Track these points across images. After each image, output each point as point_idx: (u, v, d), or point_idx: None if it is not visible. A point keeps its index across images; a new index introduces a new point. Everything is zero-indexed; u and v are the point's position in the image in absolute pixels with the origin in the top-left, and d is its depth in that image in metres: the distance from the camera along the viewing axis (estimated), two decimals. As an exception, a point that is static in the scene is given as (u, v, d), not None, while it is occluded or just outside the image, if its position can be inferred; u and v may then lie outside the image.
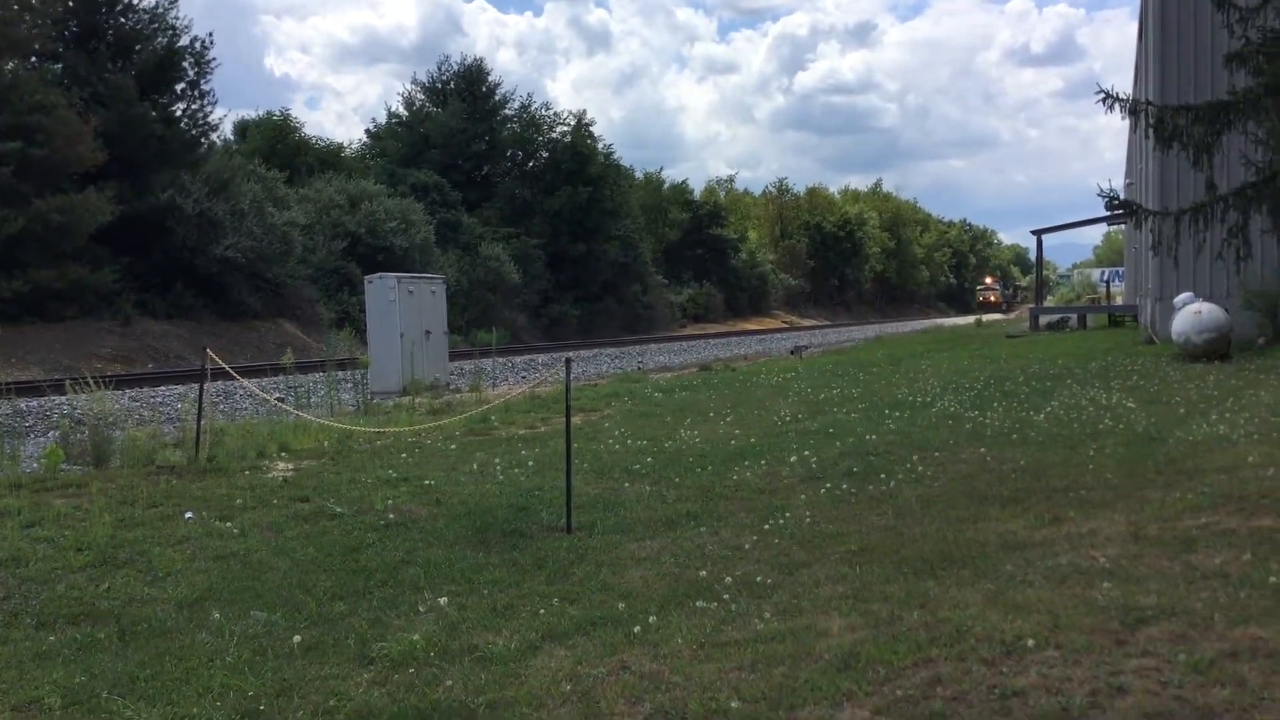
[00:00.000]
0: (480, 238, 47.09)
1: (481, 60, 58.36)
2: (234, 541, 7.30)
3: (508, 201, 53.95)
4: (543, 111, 57.87)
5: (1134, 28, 31.74)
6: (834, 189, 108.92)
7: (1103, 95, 16.72)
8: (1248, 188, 15.87)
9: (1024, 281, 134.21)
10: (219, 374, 12.96)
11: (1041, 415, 11.55)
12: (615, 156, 59.45)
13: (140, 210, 30.40)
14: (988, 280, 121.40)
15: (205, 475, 9.77)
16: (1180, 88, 21.27)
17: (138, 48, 32.89)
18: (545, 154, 56.61)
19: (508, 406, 14.93)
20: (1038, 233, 42.29)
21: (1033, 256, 48.23)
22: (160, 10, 33.33)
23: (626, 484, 9.03)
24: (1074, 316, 38.47)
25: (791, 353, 32.33)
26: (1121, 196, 18.15)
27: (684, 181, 77.90)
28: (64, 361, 24.22)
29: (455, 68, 57.40)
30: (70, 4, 31.62)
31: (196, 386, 11.81)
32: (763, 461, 9.74)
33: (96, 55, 31.55)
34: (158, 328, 29.76)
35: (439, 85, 57.21)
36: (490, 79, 57.58)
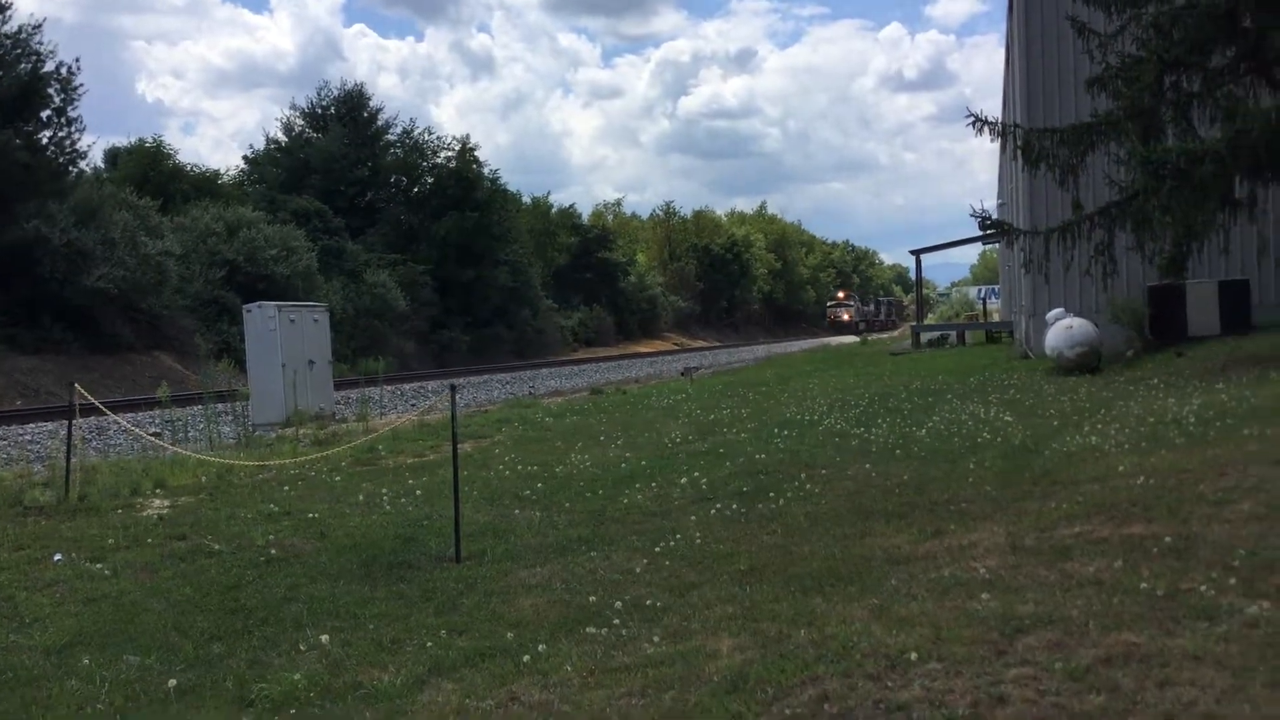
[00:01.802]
0: (365, 264, 46.41)
1: (362, 85, 57.79)
2: (106, 583, 7.01)
3: (393, 227, 53.32)
4: (426, 136, 57.57)
5: (1001, 54, 32.91)
6: (720, 212, 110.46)
7: (973, 119, 17.32)
8: (1112, 206, 16.56)
9: (907, 299, 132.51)
10: (91, 409, 12.48)
11: (924, 430, 11.81)
12: (502, 181, 59.42)
13: (4, 241, 29.17)
14: (839, 295, 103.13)
15: (76, 515, 9.38)
16: (1046, 111, 22.10)
17: (0, 74, 31.60)
18: (430, 179, 56.15)
19: (395, 435, 14.68)
20: (916, 253, 43.43)
21: (913, 276, 49.44)
22: (23, 36, 32.05)
23: (517, 510, 8.95)
24: (954, 334, 39.54)
25: (682, 374, 32.54)
26: (994, 217, 18.80)
27: (572, 205, 78.29)
28: (-77, 400, 23.04)
29: (335, 93, 56.72)
30: (-72, 28, 30.28)
31: (66, 423, 11.34)
32: (653, 484, 9.75)
33: (-44, 81, 30.24)
34: (26, 363, 28.53)
35: (319, 110, 56.35)
36: (372, 104, 57.07)
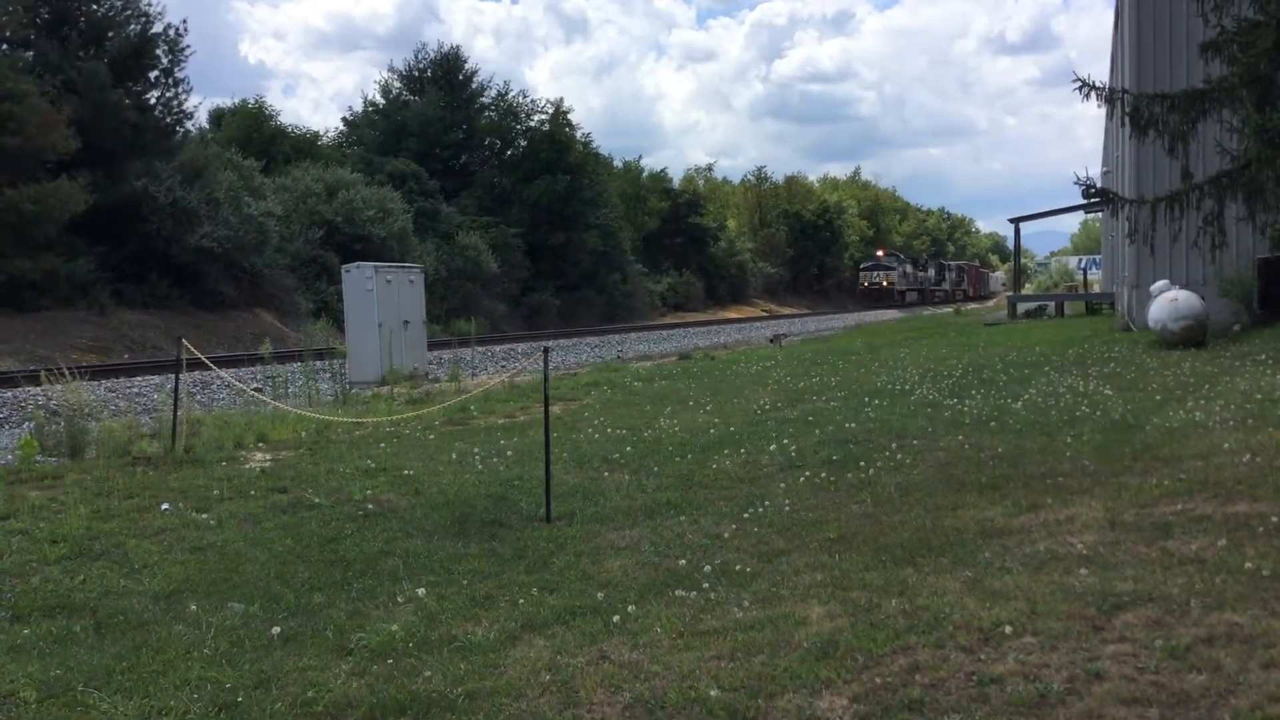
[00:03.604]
0: (458, 227, 46.89)
1: (458, 48, 58.14)
2: (211, 533, 7.26)
3: (486, 190, 53.75)
4: (520, 100, 57.73)
5: (1110, 16, 31.85)
6: (813, 177, 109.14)
7: (1080, 84, 16.80)
8: (1223, 176, 15.98)
9: (1004, 267, 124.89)
10: (196, 364, 12.87)
11: (1019, 403, 11.60)
12: (594, 145, 59.41)
13: (114, 199, 30.10)
14: (878, 254, 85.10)
15: (182, 466, 9.71)
16: (1156, 76, 21.36)
17: (110, 35, 32.50)
18: (523, 143, 56.38)
19: (487, 396, 14.88)
20: (1015, 221, 42.47)
21: (1011, 245, 48.38)
22: (133, -3, 32.96)
23: (606, 473, 9.02)
24: (1051, 304, 38.66)
25: (771, 341, 32.37)
26: (1098, 185, 18.22)
27: (663, 170, 78.06)
28: (39, 352, 23.99)
29: (432, 55, 57.15)
30: (41, -10, 31.25)
31: (173, 377, 11.72)
32: (742, 450, 9.75)
33: (68, 42, 31.17)
34: (134, 318, 29.51)
35: (416, 73, 56.89)
36: (467, 67, 57.34)
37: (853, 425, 10.77)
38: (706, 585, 5.59)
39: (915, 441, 9.61)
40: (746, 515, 7.15)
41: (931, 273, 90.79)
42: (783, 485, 8.12)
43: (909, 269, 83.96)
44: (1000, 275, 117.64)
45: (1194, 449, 8.13)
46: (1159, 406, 10.53)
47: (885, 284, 78.95)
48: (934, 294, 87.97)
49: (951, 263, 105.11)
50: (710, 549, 6.37)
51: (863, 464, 8.68)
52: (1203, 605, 4.69)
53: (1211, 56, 16.28)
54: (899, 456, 8.92)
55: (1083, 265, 67.43)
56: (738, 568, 5.89)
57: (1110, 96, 17.16)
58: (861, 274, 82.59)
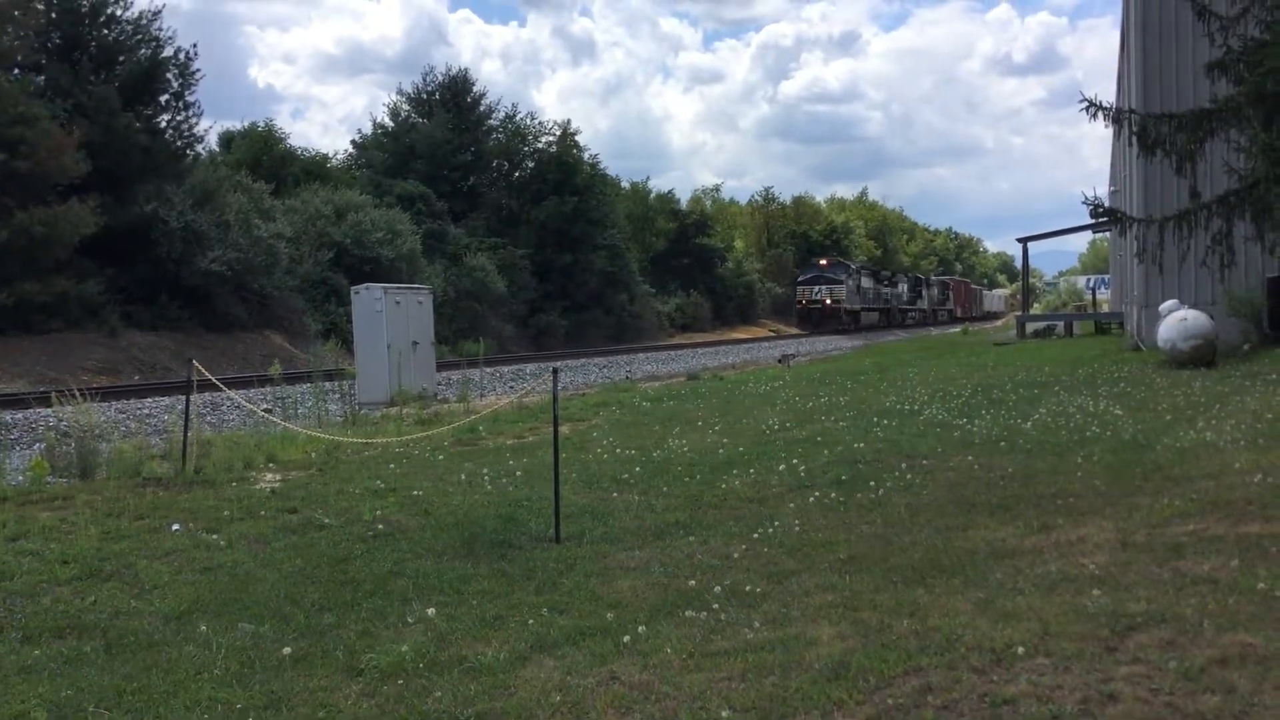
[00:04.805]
0: (466, 248, 47.05)
1: (466, 71, 58.63)
2: (221, 553, 7.26)
3: (494, 212, 53.96)
4: (528, 121, 58.08)
5: (1116, 36, 31.93)
6: (820, 198, 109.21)
7: (1086, 104, 16.81)
8: (1231, 195, 15.97)
9: (1012, 289, 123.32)
10: (206, 385, 12.91)
11: (1029, 423, 11.58)
12: (601, 166, 59.72)
13: (124, 222, 30.25)
14: (821, 263, 65.57)
15: (192, 487, 9.72)
16: (1163, 96, 21.40)
17: (121, 59, 32.75)
18: (531, 164, 56.67)
19: (495, 417, 14.90)
20: (1023, 240, 42.50)
21: (1019, 264, 48.33)
22: (144, 22, 33.20)
23: (615, 493, 9.02)
24: (1060, 324, 38.64)
25: (779, 361, 32.37)
26: (1106, 204, 18.23)
27: (670, 191, 78.16)
28: (49, 374, 24.07)
29: (440, 78, 57.50)
30: (52, 15, 31.48)
31: (183, 398, 11.75)
32: (751, 470, 9.74)
33: (79, 67, 31.40)
34: (143, 339, 29.61)
35: (424, 96, 57.21)
36: (475, 89, 57.69)
37: (862, 445, 10.75)
38: (716, 606, 5.58)
39: (925, 462, 9.60)
40: (756, 536, 7.13)
41: (902, 288, 75.91)
42: (792, 506, 8.11)
43: (864, 283, 66.90)
44: (999, 294, 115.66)
45: (1205, 469, 8.10)
46: (1169, 426, 10.50)
47: (829, 302, 61.47)
48: (905, 315, 74.79)
49: (933, 277, 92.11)
50: (720, 569, 6.36)
51: (872, 484, 8.66)
52: (1216, 626, 4.66)
53: (1218, 76, 16.32)
54: (909, 477, 8.91)
55: (1091, 285, 67.37)
56: (748, 588, 5.88)
57: (1117, 116, 17.17)
58: (799, 289, 64.90)
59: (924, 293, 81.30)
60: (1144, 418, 11.28)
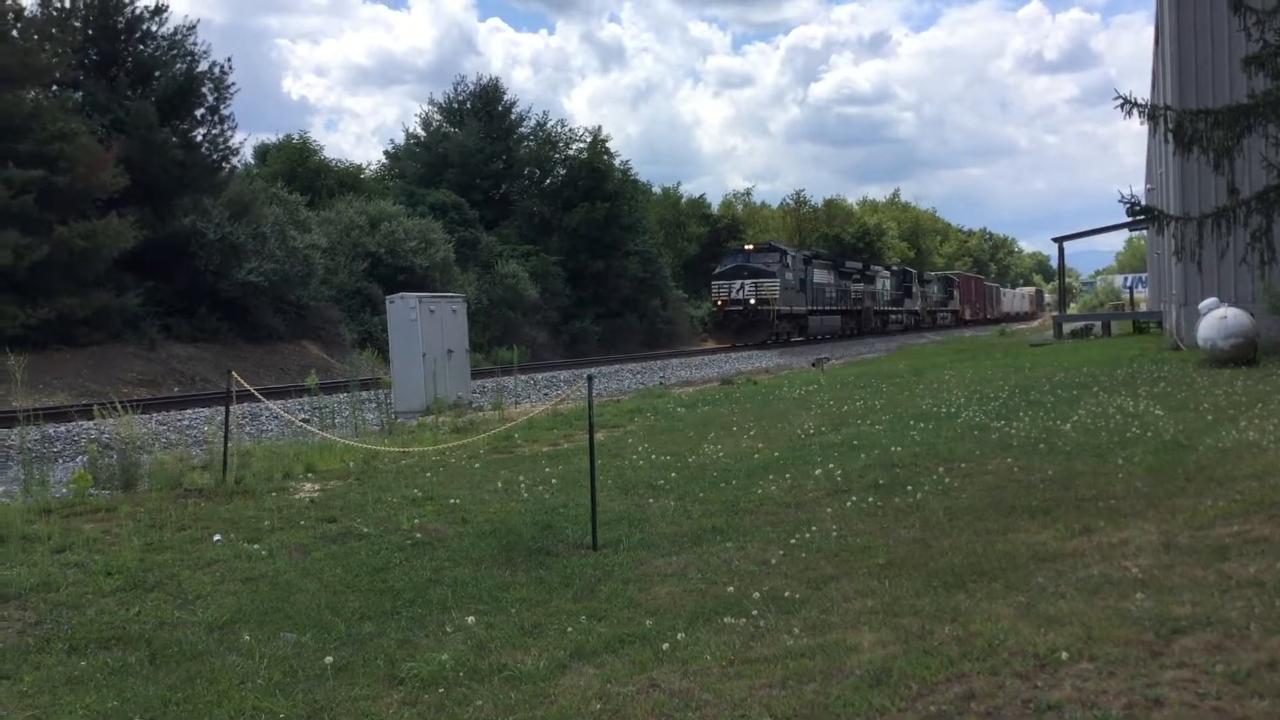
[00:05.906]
0: (499, 256, 47.22)
1: (497, 79, 58.72)
2: (262, 563, 7.33)
3: (526, 219, 54.13)
4: (559, 129, 58.17)
5: (1150, 33, 31.60)
6: (852, 200, 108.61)
7: (1121, 101, 16.66)
8: (1270, 191, 15.79)
9: (1045, 291, 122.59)
10: (244, 396, 13.03)
11: (1068, 424, 11.47)
12: (632, 172, 59.61)
13: (163, 235, 30.62)
14: (747, 249, 48.45)
15: (233, 497, 9.81)
16: (1199, 92, 21.17)
17: (157, 74, 33.17)
18: (562, 171, 56.78)
19: (531, 424, 14.94)
20: (1059, 240, 42.15)
21: (1055, 264, 47.88)
22: (179, 37, 33.61)
23: (651, 500, 9.02)
24: (1098, 323, 38.27)
25: (813, 365, 32.25)
26: (1142, 202, 18.07)
27: (702, 196, 78.12)
28: (91, 387, 24.38)
29: (471, 87, 57.74)
30: (89, 32, 31.93)
31: (222, 409, 11.87)
32: (787, 475, 9.71)
33: (116, 82, 31.83)
34: (183, 351, 29.94)
35: (455, 105, 57.52)
36: (506, 98, 57.89)
37: (898, 449, 10.69)
38: (755, 612, 5.56)
39: (963, 465, 9.53)
40: (794, 541, 7.11)
41: (881, 284, 58.79)
42: (829, 510, 8.08)
43: (815, 275, 49.01)
44: (1022, 292, 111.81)
45: (1248, 469, 8.00)
46: (1211, 426, 10.37)
47: (752, 303, 44.30)
48: (885, 320, 58.73)
49: (929, 273, 77.39)
50: (758, 575, 6.34)
51: (910, 488, 8.61)
52: (1263, 629, 4.60)
53: (1255, 71, 16.13)
54: (947, 480, 8.85)
55: (1129, 284, 66.73)
56: (786, 594, 5.86)
57: (1153, 113, 17.00)
58: (715, 286, 46.98)
59: (915, 290, 65.56)
60: (1185, 418, 11.15)
